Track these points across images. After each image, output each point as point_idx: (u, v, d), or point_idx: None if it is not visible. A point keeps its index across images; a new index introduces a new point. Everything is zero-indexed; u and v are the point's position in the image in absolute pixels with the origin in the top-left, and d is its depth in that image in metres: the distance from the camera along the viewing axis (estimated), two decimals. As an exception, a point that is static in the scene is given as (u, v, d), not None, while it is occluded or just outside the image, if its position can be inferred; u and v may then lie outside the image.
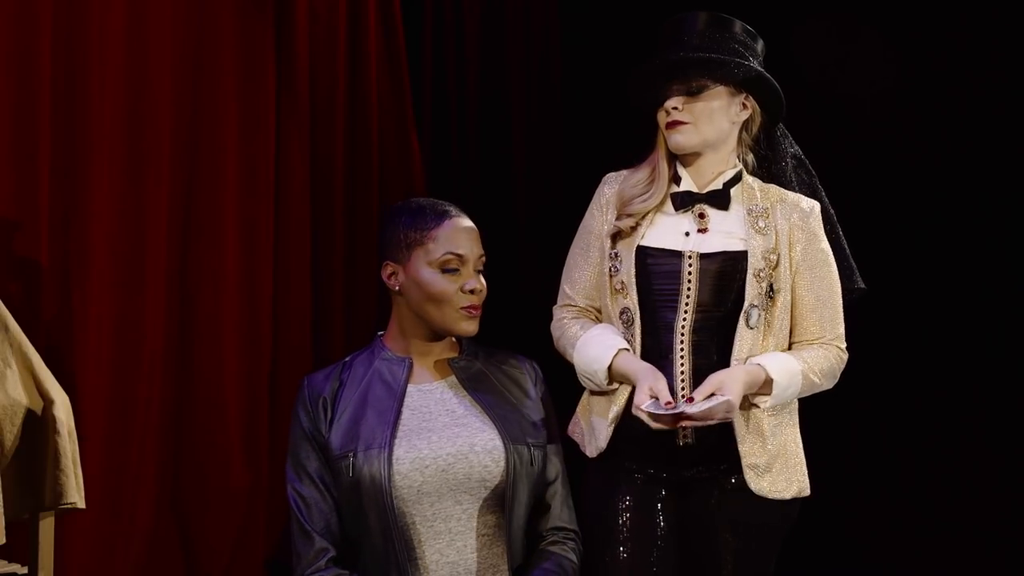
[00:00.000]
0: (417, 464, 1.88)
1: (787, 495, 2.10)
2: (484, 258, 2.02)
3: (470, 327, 1.98)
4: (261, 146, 3.30)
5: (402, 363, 1.98)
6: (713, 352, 2.08)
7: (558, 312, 2.24)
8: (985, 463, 3.42)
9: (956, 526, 3.45)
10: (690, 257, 2.09)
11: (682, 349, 2.07)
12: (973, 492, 3.43)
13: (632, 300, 2.10)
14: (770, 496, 2.07)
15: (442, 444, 1.90)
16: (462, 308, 1.95)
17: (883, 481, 3.61)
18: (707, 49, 2.11)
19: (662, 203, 2.14)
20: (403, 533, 1.87)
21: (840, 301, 2.16)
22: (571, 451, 2.14)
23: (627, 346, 2.09)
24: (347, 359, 2.04)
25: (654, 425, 1.95)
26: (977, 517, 3.42)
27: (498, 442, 1.92)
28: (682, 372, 2.07)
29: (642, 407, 1.94)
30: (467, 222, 2.02)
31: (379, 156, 3.62)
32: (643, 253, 2.11)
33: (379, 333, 2.06)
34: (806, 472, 2.15)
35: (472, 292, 1.96)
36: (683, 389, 2.05)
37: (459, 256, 1.96)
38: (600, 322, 2.19)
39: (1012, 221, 3.34)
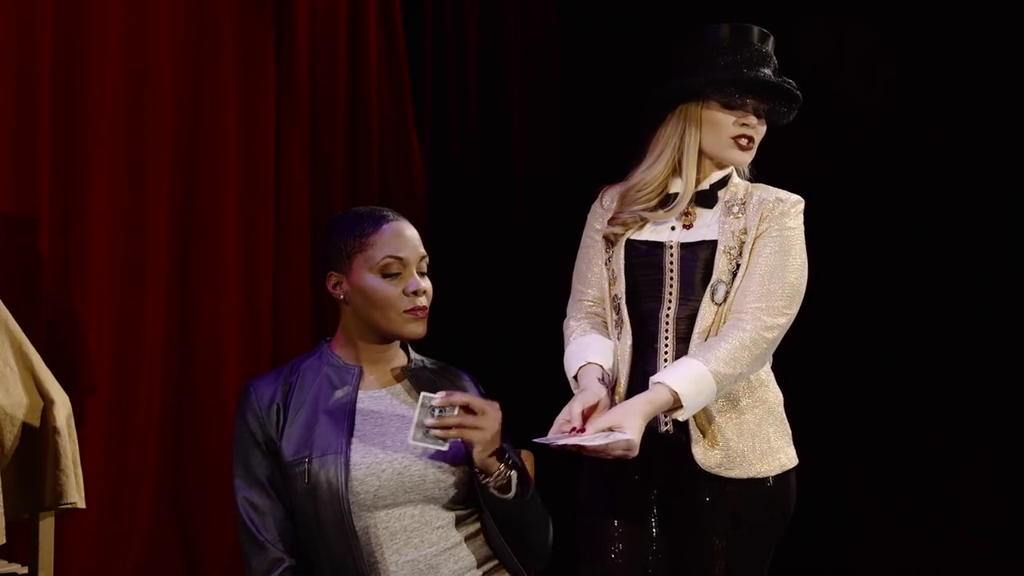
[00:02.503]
0: (373, 469, 1.88)
1: (761, 473, 2.09)
2: (427, 260, 2.00)
3: (416, 329, 1.97)
4: (261, 146, 3.30)
5: (352, 371, 1.98)
6: (689, 334, 2.10)
7: (569, 311, 2.27)
8: (976, 461, 3.42)
9: (944, 524, 3.46)
10: (671, 248, 2.11)
11: (666, 338, 2.10)
12: (965, 492, 3.44)
13: (620, 288, 2.15)
14: (739, 476, 2.08)
15: (396, 448, 1.90)
16: (406, 311, 1.94)
17: (873, 481, 3.61)
18: (778, 77, 2.13)
19: (656, 206, 2.14)
20: (361, 538, 1.86)
21: (790, 280, 2.08)
22: (565, 458, 2.13)
23: (596, 360, 2.12)
24: (291, 363, 2.03)
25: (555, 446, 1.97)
26: (969, 516, 3.43)
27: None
28: (665, 357, 2.08)
29: (536, 440, 1.95)
30: (406, 225, 2.00)
31: (379, 156, 3.63)
32: (631, 246, 2.16)
33: (325, 339, 2.05)
34: (788, 451, 2.14)
35: (415, 293, 1.95)
36: None
37: (399, 259, 1.95)
38: (605, 320, 2.20)
39: (1012, 219, 3.34)
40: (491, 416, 1.82)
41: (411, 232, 2.00)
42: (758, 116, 2.12)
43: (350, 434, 1.90)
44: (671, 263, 2.12)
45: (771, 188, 2.19)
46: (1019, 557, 3.33)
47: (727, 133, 2.11)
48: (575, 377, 2.12)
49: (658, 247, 2.13)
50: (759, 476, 2.09)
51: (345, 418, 1.92)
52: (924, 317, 3.50)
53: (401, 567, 1.88)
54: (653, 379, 2.00)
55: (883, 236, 3.56)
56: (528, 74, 4.13)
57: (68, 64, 2.84)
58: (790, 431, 2.17)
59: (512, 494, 1.86)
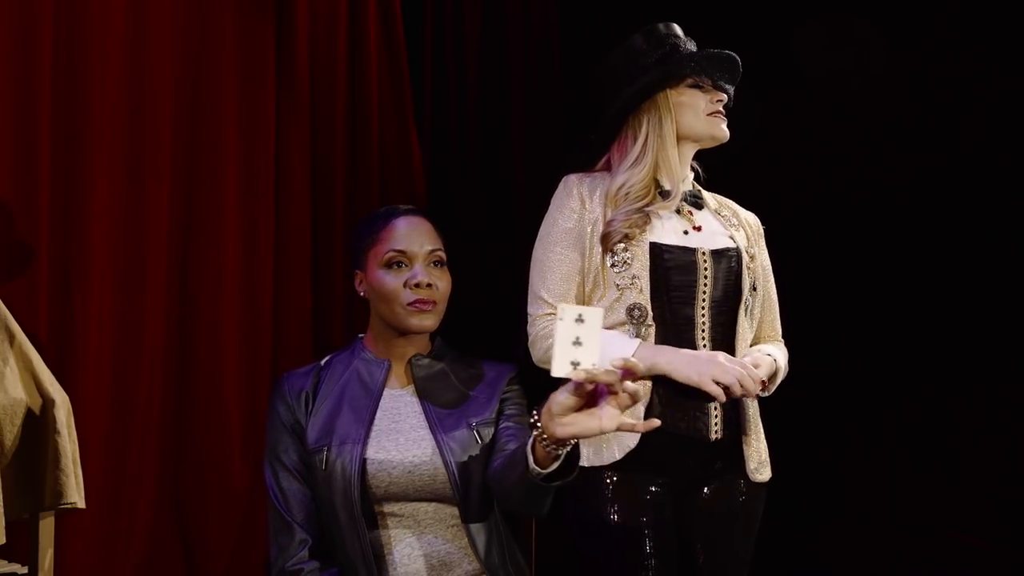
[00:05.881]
0: (385, 465, 1.91)
1: (768, 476, 2.18)
2: (440, 253, 2.01)
3: (420, 322, 1.98)
4: (261, 146, 3.30)
5: (381, 365, 2.02)
6: (725, 346, 2.12)
7: (537, 322, 2.14)
8: (974, 459, 3.43)
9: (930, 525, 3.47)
10: (704, 254, 2.11)
11: (704, 344, 2.09)
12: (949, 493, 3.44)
13: (645, 296, 2.08)
14: (764, 479, 2.15)
15: (408, 446, 1.93)
16: (409, 304, 1.97)
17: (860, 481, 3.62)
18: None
19: (652, 201, 2.14)
20: (371, 528, 1.91)
21: None
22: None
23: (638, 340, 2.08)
24: (326, 359, 2.09)
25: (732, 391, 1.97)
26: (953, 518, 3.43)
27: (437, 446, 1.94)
28: None
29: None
30: (414, 219, 2.03)
31: (379, 156, 3.62)
32: (658, 249, 2.10)
33: (360, 335, 2.08)
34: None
35: (417, 286, 1.96)
36: None
37: (401, 252, 1.99)
38: None
39: (1012, 220, 3.34)
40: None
41: (420, 226, 2.02)
42: (723, 91, 2.19)
43: (369, 426, 1.93)
44: (705, 269, 2.10)
45: (728, 200, 2.30)
46: (1017, 556, 3.33)
47: (704, 111, 2.17)
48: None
49: (689, 252, 2.11)
50: (767, 478, 2.14)
51: (367, 411, 1.96)
52: (922, 315, 3.50)
53: (413, 560, 1.91)
54: (762, 349, 2.14)
55: (876, 235, 3.56)
56: (528, 73, 4.13)
57: (68, 64, 2.84)
58: None
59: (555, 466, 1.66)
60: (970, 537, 3.42)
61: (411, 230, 2.01)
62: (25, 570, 2.35)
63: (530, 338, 2.15)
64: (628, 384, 1.51)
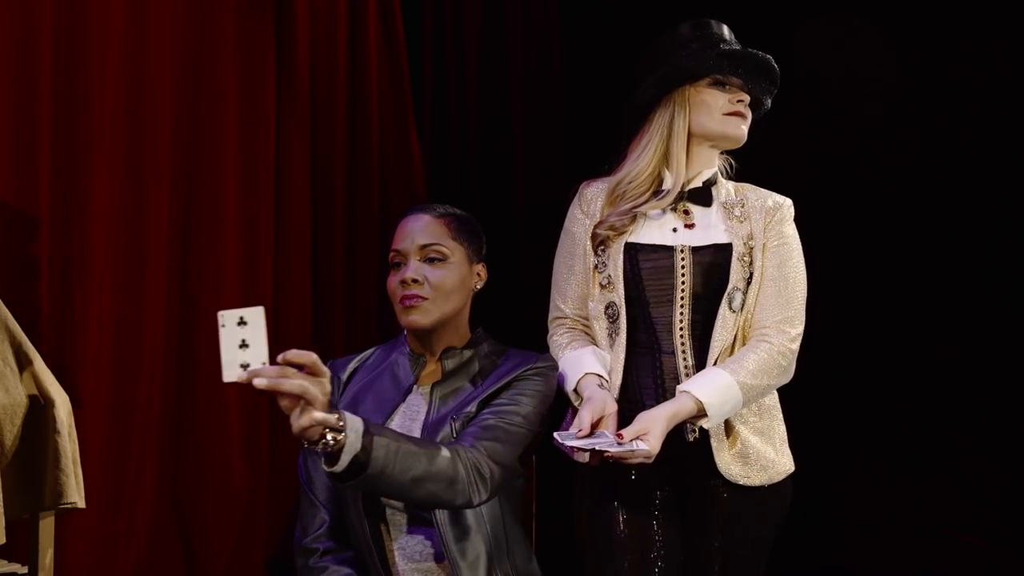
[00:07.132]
0: None
1: (772, 480, 2.11)
2: (437, 248, 1.99)
3: (410, 318, 1.98)
4: (261, 146, 3.30)
5: (418, 360, 2.03)
6: (702, 341, 2.09)
7: (551, 327, 2.24)
8: (974, 459, 3.43)
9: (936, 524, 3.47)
10: (682, 251, 2.09)
11: (683, 342, 2.08)
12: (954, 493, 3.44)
13: (619, 295, 2.09)
14: (755, 484, 2.09)
15: None
16: (399, 301, 1.98)
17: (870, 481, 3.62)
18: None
19: (647, 200, 2.13)
20: (375, 518, 1.92)
21: (800, 288, 2.12)
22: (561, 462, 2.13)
23: (593, 370, 2.06)
24: (372, 348, 2.12)
25: (576, 456, 1.92)
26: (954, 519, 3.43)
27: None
28: (685, 363, 2.07)
29: (556, 436, 1.93)
30: (416, 217, 2.03)
31: (379, 156, 3.63)
32: (633, 249, 2.10)
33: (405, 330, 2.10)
34: (789, 456, 2.16)
35: (402, 283, 1.97)
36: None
37: (398, 251, 2.01)
38: (588, 331, 2.18)
39: (1012, 220, 3.34)
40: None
41: (418, 223, 2.02)
42: (746, 93, 2.14)
43: (385, 421, 1.95)
44: (682, 267, 2.09)
45: (760, 189, 2.21)
46: (1017, 556, 3.33)
47: (720, 111, 2.13)
48: (575, 389, 2.07)
49: (666, 250, 2.10)
50: (770, 483, 2.10)
51: (390, 404, 1.97)
52: (922, 316, 3.50)
53: (426, 557, 1.90)
54: (679, 388, 2.01)
55: (880, 235, 3.56)
56: (528, 73, 4.14)
57: (68, 64, 2.84)
58: (787, 435, 2.18)
59: (341, 467, 1.60)
60: (970, 537, 3.42)
61: (410, 228, 2.01)
62: (25, 570, 2.35)
63: (548, 341, 2.21)
64: (257, 381, 1.46)
